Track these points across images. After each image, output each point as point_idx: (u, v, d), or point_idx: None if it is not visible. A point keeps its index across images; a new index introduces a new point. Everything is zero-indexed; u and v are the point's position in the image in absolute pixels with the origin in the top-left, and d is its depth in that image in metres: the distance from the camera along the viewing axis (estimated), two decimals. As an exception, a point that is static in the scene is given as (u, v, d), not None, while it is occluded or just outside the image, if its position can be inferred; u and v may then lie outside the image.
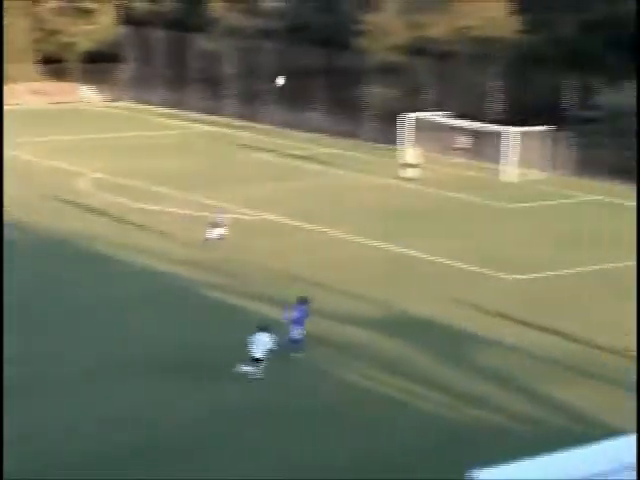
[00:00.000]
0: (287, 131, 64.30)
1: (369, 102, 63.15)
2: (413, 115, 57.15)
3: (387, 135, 58.37)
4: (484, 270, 35.97)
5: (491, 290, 33.97)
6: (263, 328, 25.29)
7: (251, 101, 68.58)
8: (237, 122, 67.05)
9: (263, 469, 20.92)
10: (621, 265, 37.11)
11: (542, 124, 54.16)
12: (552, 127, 54.22)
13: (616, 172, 53.13)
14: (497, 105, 59.15)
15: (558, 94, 56.83)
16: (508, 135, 53.75)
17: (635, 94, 53.72)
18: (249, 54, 69.59)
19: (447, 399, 24.84)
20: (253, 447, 21.87)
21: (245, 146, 59.84)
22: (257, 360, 25.04)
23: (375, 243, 39.22)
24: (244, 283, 33.67)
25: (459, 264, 36.62)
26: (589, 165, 53.67)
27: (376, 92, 63.12)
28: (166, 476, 20.34)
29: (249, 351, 25.13)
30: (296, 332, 26.76)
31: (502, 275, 35.56)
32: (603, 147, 55.21)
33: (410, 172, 52.06)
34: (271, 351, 25.26)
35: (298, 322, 26.86)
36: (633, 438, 16.24)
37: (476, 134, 56.28)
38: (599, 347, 28.55)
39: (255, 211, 43.41)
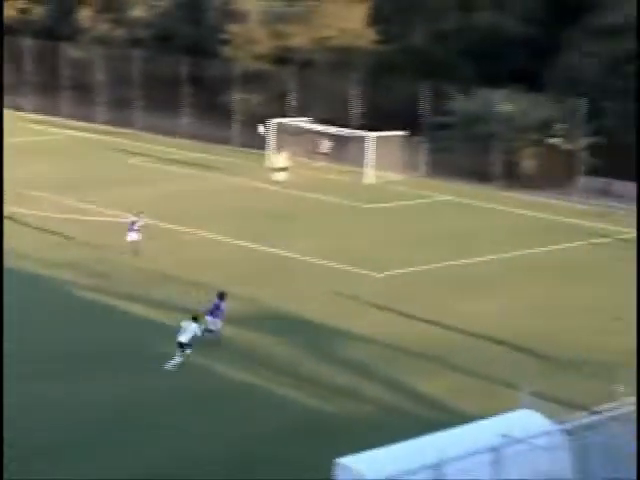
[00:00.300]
0: (159, 137, 63.89)
1: (237, 108, 63.29)
2: (278, 121, 57.55)
3: (255, 140, 58.55)
4: (347, 267, 36.50)
5: (354, 286, 34.47)
6: (194, 318, 26.95)
7: (122, 108, 67.95)
8: (110, 128, 66.34)
9: (122, 467, 20.87)
10: (475, 260, 38.13)
11: (399, 129, 55.09)
12: (408, 132, 55.23)
13: (467, 174, 54.41)
14: (357, 111, 59.93)
15: (413, 101, 57.81)
16: (367, 140, 54.54)
17: (484, 101, 55.08)
18: (118, 62, 69.02)
19: (314, 391, 25.16)
20: (119, 442, 21.89)
21: (119, 151, 59.33)
22: (182, 345, 26.39)
23: (245, 243, 39.42)
24: (117, 283, 33.49)
25: (324, 262, 37.08)
26: (443, 167, 54.77)
27: (243, 99, 63.30)
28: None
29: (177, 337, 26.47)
30: (211, 323, 28.13)
31: (364, 272, 36.11)
32: (455, 151, 56.45)
33: (280, 175, 52.42)
34: (194, 337, 26.47)
35: (215, 314, 28.20)
36: (486, 423, 16.85)
37: (338, 139, 56.97)
38: (459, 338, 29.32)
39: (130, 214, 43.19)
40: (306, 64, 62.01)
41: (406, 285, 34.90)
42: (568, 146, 53.47)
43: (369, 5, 63.29)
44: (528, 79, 56.54)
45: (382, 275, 35.89)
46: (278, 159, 53.20)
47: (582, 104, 51.38)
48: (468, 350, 28.28)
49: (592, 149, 51.67)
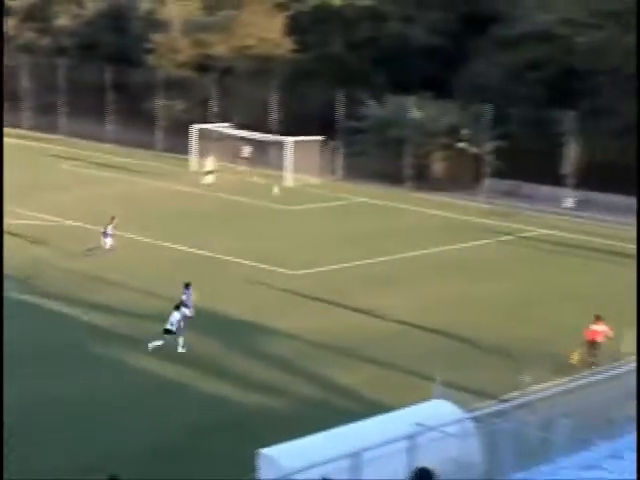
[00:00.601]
0: (85, 142, 63.29)
1: (160, 115, 62.96)
2: (200, 127, 57.40)
3: (180, 145, 58.33)
4: (267, 266, 36.58)
5: (274, 284, 34.56)
6: (176, 307, 28.00)
7: (47, 114, 67.14)
8: (38, 134, 65.51)
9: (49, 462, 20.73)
10: (388, 259, 38.48)
11: (316, 134, 55.30)
12: (325, 137, 55.47)
13: (380, 177, 54.86)
14: (276, 117, 59.99)
15: (330, 107, 58.08)
16: (286, 145, 54.64)
17: (396, 107, 55.55)
18: (44, 70, 68.17)
19: (238, 386, 25.17)
20: (48, 439, 21.72)
21: (50, 156, 58.67)
22: (167, 331, 27.48)
23: (172, 245, 39.26)
24: (47, 285, 33.12)
25: (246, 261, 37.11)
26: (358, 171, 55.15)
27: (166, 105, 63.00)
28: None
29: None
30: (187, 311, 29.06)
31: (283, 270, 36.23)
32: (369, 155, 56.87)
33: (207, 179, 52.39)
34: (179, 322, 27.49)
35: (185, 304, 29.18)
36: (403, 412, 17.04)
37: (258, 144, 57.00)
38: (374, 332, 29.55)
39: (58, 217, 42.73)
40: (227, 71, 61.95)
41: (323, 282, 35.06)
42: (475, 150, 54.23)
43: (287, 15, 63.42)
44: (437, 86, 57.21)
45: (300, 273, 36.03)
46: (206, 163, 53.17)
47: (487, 110, 52.15)
48: (384, 343, 28.53)
49: (497, 153, 52.46)
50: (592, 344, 27.11)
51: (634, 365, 19.38)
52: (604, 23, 51.25)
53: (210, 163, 53.09)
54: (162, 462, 20.96)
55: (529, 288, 35.02)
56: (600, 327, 27.30)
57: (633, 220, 45.03)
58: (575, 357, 26.91)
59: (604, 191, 49.57)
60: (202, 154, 54.88)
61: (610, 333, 27.13)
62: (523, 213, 48.75)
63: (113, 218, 38.40)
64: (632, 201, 48.25)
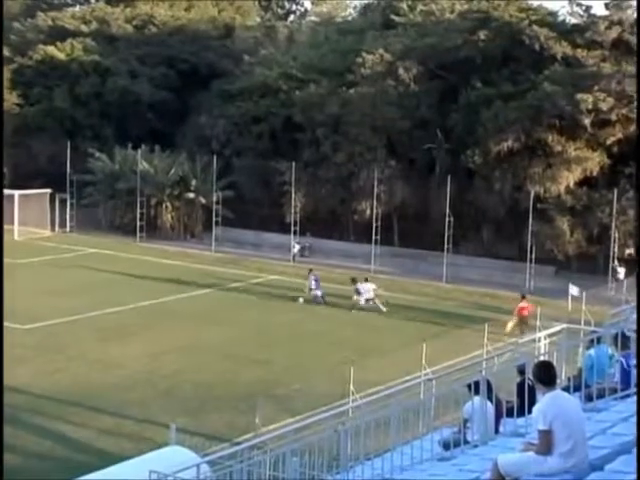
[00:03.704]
0: None
1: None
2: None
3: None
4: (-4, 322, 34.96)
5: (7, 340, 32.94)
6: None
7: None
8: None
9: None
10: (119, 309, 37.78)
11: (44, 187, 53.97)
12: (53, 190, 54.22)
13: (111, 228, 54.20)
14: (2, 170, 57.82)
15: (58, 160, 56.80)
16: (14, 197, 52.80)
17: (124, 159, 55.01)
18: None
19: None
20: None
21: None
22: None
23: None
24: None
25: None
26: (88, 222, 54.18)
27: None
28: None
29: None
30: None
31: (12, 325, 34.74)
32: (100, 206, 56.01)
33: None
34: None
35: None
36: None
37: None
38: (108, 383, 28.80)
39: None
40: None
41: (53, 335, 33.86)
42: (203, 200, 54.49)
43: (11, 69, 61.61)
44: (164, 139, 57.38)
45: (29, 327, 34.67)
46: None
47: (213, 161, 52.58)
48: (117, 393, 27.81)
49: (225, 202, 52.93)
50: (521, 318, 33.68)
51: (360, 402, 19.86)
52: (319, 78, 53.07)
53: None
54: None
55: (256, 332, 35.30)
56: (525, 304, 34.02)
57: (352, 264, 46.76)
58: (508, 328, 33.17)
59: (326, 237, 51.11)
60: None
61: (533, 308, 33.04)
62: (250, 260, 49.31)
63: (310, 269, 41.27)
64: (351, 247, 50.22)
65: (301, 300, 39.43)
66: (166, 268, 46.78)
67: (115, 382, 28.83)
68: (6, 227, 52.21)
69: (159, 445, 18.87)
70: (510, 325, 33.80)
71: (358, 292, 38.91)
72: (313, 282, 39.96)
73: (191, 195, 54.89)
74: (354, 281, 39.46)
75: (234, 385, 28.61)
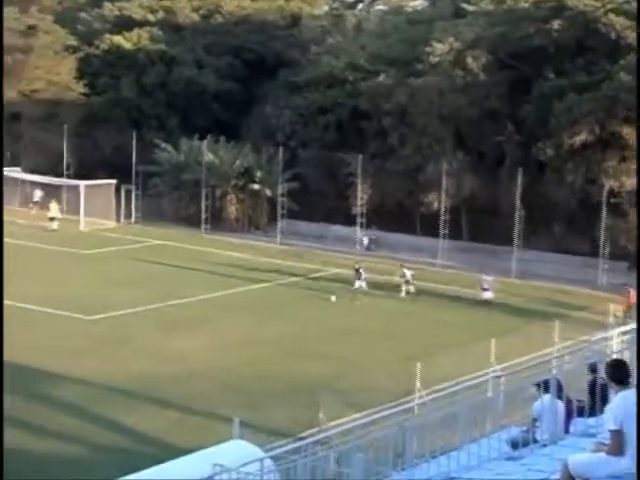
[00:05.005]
0: None
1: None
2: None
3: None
4: (63, 312, 35.53)
5: (70, 330, 33.58)
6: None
7: None
8: None
9: None
10: (184, 301, 38.15)
11: (110, 177, 54.61)
12: (119, 180, 54.83)
13: (176, 219, 54.65)
14: (69, 161, 58.69)
15: (123, 150, 57.36)
16: (80, 188, 53.50)
17: (189, 150, 55.46)
18: None
19: (26, 434, 24.20)
20: None
21: None
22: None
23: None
24: None
25: (42, 308, 35.88)
26: (153, 214, 54.70)
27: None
28: None
29: None
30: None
31: (78, 316, 35.29)
32: (165, 197, 56.50)
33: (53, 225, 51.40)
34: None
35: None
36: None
37: (54, 188, 55.62)
38: (173, 375, 29.13)
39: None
40: (16, 116, 60.14)
41: (118, 327, 34.31)
42: (268, 192, 54.71)
43: (78, 58, 62.41)
44: (229, 129, 57.64)
45: (93, 318, 35.17)
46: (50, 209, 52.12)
47: (278, 152, 52.74)
48: (181, 386, 28.12)
49: (289, 194, 53.09)
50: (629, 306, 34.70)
51: (426, 399, 19.84)
52: (387, 68, 52.95)
53: (54, 209, 52.14)
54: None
55: (317, 327, 35.40)
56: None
57: (418, 258, 46.64)
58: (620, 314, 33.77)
59: (392, 231, 50.96)
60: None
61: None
62: (315, 253, 49.39)
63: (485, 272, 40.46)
64: (418, 240, 50.01)
65: (333, 298, 39.05)
66: (230, 260, 47.08)
67: (179, 375, 29.14)
68: (72, 218, 53.15)
69: (223, 439, 19.02)
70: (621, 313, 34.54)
71: (359, 274, 40.38)
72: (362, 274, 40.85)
73: (256, 187, 55.14)
74: (357, 272, 40.59)
75: (296, 379, 28.74)
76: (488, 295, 39.45)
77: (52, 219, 51.94)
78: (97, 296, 38.43)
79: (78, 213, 53.45)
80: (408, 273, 40.56)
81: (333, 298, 39.08)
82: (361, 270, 40.80)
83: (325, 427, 21.66)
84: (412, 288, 40.05)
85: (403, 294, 39.90)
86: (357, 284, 40.34)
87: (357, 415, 22.89)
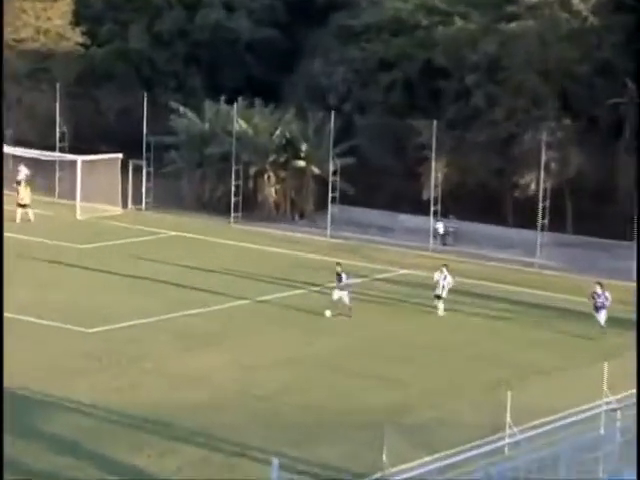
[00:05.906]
0: None
1: None
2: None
3: None
4: (56, 323, 35.78)
5: (67, 346, 33.77)
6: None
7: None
8: None
9: None
10: (205, 310, 38.29)
11: (115, 151, 54.75)
12: (126, 155, 54.95)
13: (197, 205, 54.78)
14: (63, 130, 58.75)
15: (131, 116, 57.55)
16: (77, 165, 53.75)
17: (216, 116, 55.56)
18: None
19: (9, 475, 24.42)
20: None
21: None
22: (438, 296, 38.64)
23: None
24: None
25: (31, 319, 36.15)
26: (169, 197, 54.88)
27: None
28: None
29: None
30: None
31: (74, 328, 35.51)
32: (183, 177, 56.57)
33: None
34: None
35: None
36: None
37: (42, 165, 55.62)
38: (192, 403, 29.24)
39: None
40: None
41: (124, 342, 34.44)
42: (316, 170, 54.68)
43: (75, 0, 62.68)
44: (267, 90, 57.56)
45: (94, 330, 35.38)
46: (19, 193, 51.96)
47: (329, 120, 52.60)
48: (204, 416, 28.13)
49: (343, 173, 52.99)
50: None
51: (519, 437, 19.69)
52: (469, 11, 52.67)
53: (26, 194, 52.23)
54: None
55: (377, 343, 35.37)
56: None
57: (509, 256, 46.34)
58: None
59: (475, 220, 50.69)
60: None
61: None
62: (376, 248, 49.30)
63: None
64: (508, 233, 49.64)
65: (328, 313, 38.50)
66: (267, 258, 47.16)
67: (200, 402, 29.24)
68: (67, 203, 53.51)
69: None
70: None
71: (340, 281, 38.82)
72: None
73: (301, 163, 55.19)
74: (339, 276, 39.07)
75: (350, 409, 28.73)
76: (602, 317, 37.74)
77: (24, 206, 51.63)
78: (97, 303, 38.67)
79: (74, 197, 53.79)
80: (448, 278, 39.04)
81: (328, 313, 38.56)
82: (343, 275, 39.14)
83: (389, 473, 21.62)
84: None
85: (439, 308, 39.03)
86: (336, 295, 38.72)
87: (428, 458, 22.84)
